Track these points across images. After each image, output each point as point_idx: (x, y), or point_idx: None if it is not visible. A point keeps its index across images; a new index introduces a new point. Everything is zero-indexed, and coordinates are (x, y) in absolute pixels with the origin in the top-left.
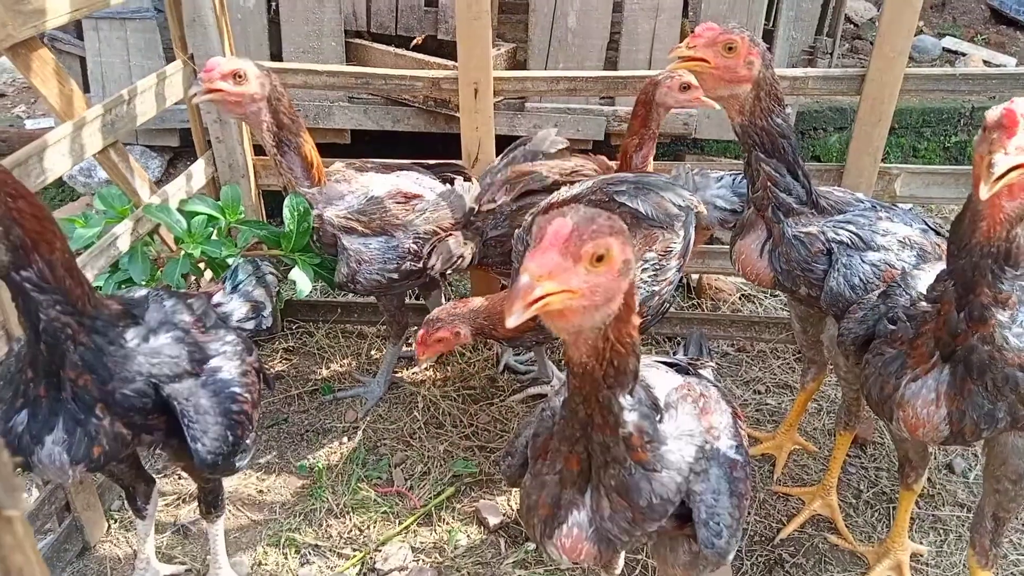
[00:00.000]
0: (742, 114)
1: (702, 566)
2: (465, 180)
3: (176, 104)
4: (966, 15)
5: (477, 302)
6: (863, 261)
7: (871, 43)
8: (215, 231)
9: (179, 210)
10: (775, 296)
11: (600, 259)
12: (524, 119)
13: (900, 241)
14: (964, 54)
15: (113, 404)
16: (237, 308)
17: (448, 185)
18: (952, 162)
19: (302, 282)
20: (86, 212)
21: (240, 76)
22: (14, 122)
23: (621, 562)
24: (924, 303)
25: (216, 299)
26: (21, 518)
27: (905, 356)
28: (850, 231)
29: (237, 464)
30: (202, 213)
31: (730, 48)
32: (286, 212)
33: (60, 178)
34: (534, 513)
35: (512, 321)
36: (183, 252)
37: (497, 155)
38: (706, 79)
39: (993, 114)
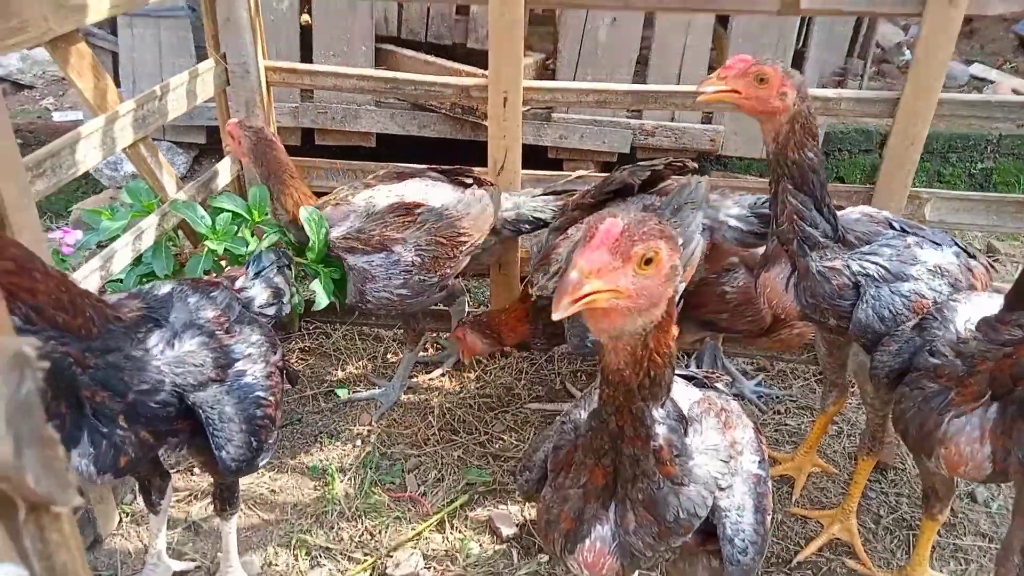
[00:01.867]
0: (776, 142)
1: None
2: (480, 186)
3: (205, 102)
4: (994, 43)
5: (493, 312)
6: (893, 292)
7: (898, 67)
8: (239, 229)
9: (205, 206)
10: None
11: (649, 262)
12: (551, 129)
13: (930, 270)
14: (992, 81)
15: (136, 415)
16: (259, 294)
17: (463, 191)
18: (977, 188)
19: (320, 296)
20: (113, 205)
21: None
22: (42, 114)
23: None
24: (980, 341)
25: (238, 284)
26: (68, 515)
27: (951, 392)
28: (876, 263)
29: (259, 464)
30: (229, 210)
31: (762, 80)
32: (305, 226)
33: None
34: (555, 527)
35: (558, 315)
36: (206, 249)
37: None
38: (742, 107)
39: None
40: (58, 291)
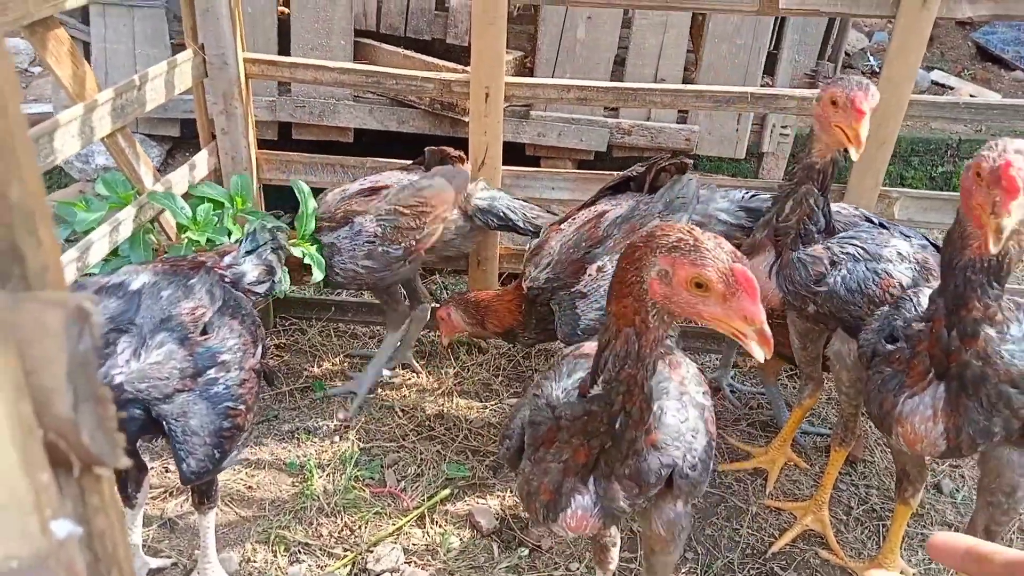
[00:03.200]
0: (823, 156)
1: (682, 510)
2: (452, 164)
3: (182, 94)
4: (953, 50)
5: (484, 293)
6: (866, 269)
7: (862, 72)
8: (221, 219)
9: (186, 196)
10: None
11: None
12: (529, 127)
13: (900, 254)
14: (952, 87)
15: None
16: (250, 271)
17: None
18: (938, 191)
19: (315, 269)
20: (87, 196)
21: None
22: None
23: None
24: (918, 323)
25: (228, 260)
26: (109, 479)
27: (903, 375)
28: (855, 244)
29: (222, 469)
30: (212, 199)
31: (833, 102)
32: (298, 196)
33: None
34: (535, 499)
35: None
36: (186, 240)
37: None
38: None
39: (992, 168)
40: None
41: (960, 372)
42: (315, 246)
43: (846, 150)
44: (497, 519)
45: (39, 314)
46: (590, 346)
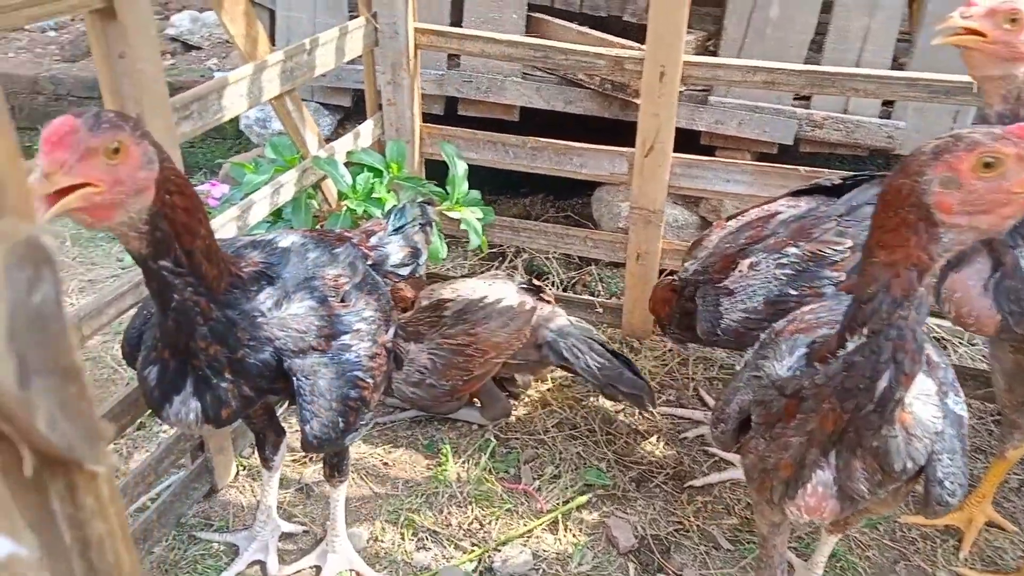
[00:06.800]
0: (1005, 101)
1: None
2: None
3: (351, 63)
4: None
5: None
6: None
7: None
8: (377, 185)
9: (346, 164)
10: (973, 344)
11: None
12: (706, 113)
13: None
14: None
15: (241, 370)
16: (395, 252)
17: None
18: None
19: (472, 236)
20: (257, 159)
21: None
22: (205, 73)
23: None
24: None
25: (374, 240)
26: (108, 476)
27: None
28: None
29: (344, 444)
30: (367, 164)
31: (1014, 20)
32: (446, 160)
33: (239, 128)
34: (773, 475)
35: None
36: (345, 207)
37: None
38: (974, 57)
39: None
40: (210, 238)
41: None
42: (473, 207)
43: None
44: (636, 537)
45: None
46: (804, 321)
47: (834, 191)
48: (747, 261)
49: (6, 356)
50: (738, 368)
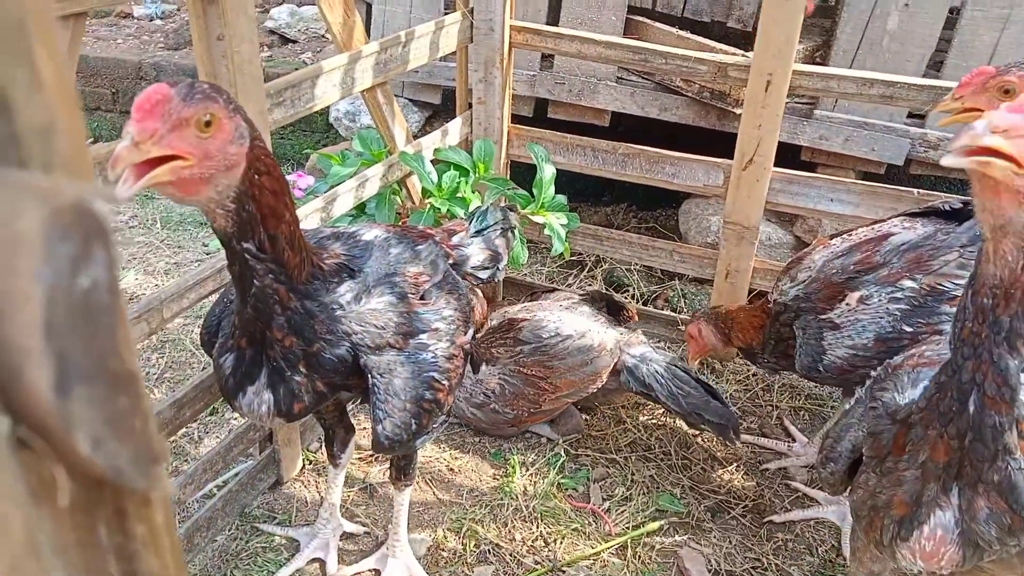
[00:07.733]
0: None
1: None
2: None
3: (443, 60)
4: None
5: (734, 305)
6: None
7: None
8: (462, 184)
9: (432, 161)
10: None
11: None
12: (810, 127)
13: None
14: None
15: (316, 364)
16: (476, 254)
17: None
18: None
19: (556, 241)
20: (344, 151)
21: None
22: (300, 66)
23: None
24: None
25: (456, 240)
26: (165, 503)
27: None
28: None
29: (415, 446)
30: (454, 163)
31: (1006, 92)
32: (535, 160)
33: (328, 121)
34: (885, 513)
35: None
36: (429, 205)
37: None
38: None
39: None
40: (295, 224)
41: None
42: (558, 213)
43: None
44: (709, 571)
45: (7, 205)
46: (924, 357)
47: (952, 216)
48: (856, 295)
49: (42, 355)
50: (847, 405)
